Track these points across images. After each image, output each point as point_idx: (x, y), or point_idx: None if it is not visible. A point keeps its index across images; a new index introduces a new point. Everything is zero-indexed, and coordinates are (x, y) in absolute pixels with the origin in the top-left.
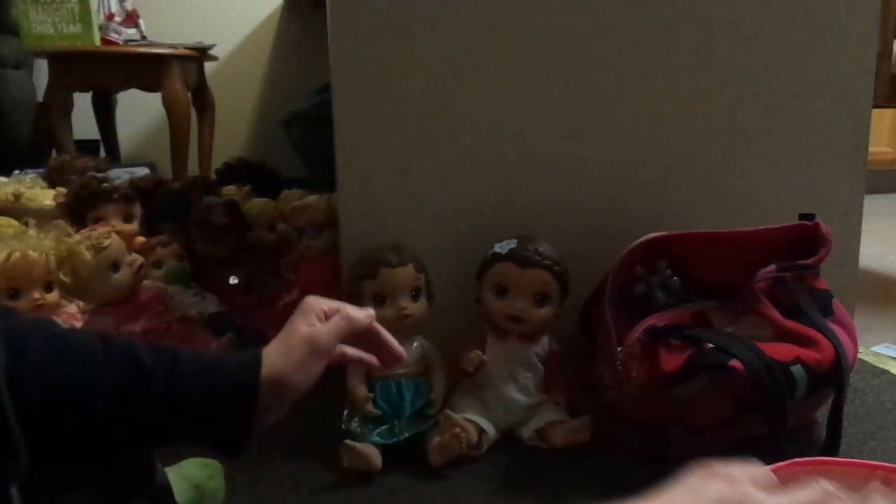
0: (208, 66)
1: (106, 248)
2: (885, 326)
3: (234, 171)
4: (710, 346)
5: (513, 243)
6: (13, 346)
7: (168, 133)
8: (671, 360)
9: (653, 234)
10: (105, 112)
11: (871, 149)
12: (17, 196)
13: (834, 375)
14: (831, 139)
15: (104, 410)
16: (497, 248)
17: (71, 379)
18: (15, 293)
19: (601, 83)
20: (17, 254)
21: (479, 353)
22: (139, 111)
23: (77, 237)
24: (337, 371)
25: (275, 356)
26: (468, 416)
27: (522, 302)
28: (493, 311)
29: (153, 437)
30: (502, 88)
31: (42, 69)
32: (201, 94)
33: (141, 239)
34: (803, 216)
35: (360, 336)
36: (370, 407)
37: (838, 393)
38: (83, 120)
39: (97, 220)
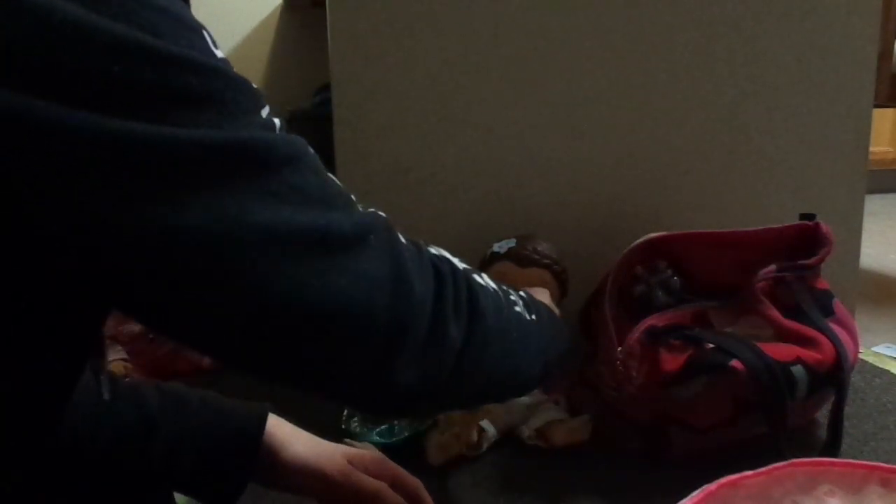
0: None
1: None
2: (885, 326)
3: None
4: (711, 346)
5: (511, 242)
6: None
7: None
8: (671, 360)
9: (653, 234)
10: None
11: (871, 148)
12: None
13: (835, 375)
14: (832, 139)
15: (103, 455)
16: (496, 248)
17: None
18: None
19: (601, 83)
20: None
21: None
22: None
23: None
24: None
25: (305, 445)
26: (468, 415)
27: None
28: None
29: (151, 481)
30: (502, 88)
31: None
32: None
33: None
34: (803, 216)
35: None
36: None
37: (839, 393)
38: None
39: None
